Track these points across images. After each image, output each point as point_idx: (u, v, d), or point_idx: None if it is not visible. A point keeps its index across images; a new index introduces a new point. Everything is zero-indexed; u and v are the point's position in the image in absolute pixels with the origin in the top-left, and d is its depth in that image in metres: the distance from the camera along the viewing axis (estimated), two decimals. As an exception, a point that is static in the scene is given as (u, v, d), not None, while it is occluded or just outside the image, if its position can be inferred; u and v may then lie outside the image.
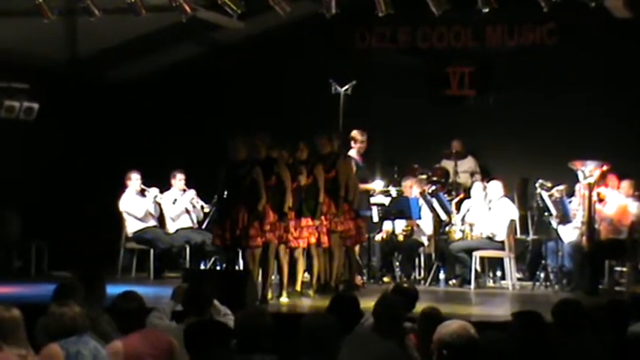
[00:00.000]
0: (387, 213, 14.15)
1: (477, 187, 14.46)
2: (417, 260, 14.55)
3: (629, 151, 14.38)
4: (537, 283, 14.02)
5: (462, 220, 14.21)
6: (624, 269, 13.69)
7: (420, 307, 8.19)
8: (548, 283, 13.86)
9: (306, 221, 12.18)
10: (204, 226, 14.68)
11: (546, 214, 14.09)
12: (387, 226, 14.43)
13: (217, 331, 6.21)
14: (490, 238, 13.87)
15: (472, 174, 15.52)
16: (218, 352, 5.96)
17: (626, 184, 13.62)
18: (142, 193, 14.41)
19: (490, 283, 14.34)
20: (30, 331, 6.83)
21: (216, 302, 8.14)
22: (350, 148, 13.65)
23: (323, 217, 12.35)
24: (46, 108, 14.68)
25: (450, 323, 5.55)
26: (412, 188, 14.23)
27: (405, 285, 11.07)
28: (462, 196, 14.69)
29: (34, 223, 14.91)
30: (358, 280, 13.46)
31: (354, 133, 13.70)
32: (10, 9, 13.22)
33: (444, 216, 14.39)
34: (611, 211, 13.47)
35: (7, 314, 6.53)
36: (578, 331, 6.98)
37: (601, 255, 13.32)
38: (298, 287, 12.35)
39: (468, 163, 15.80)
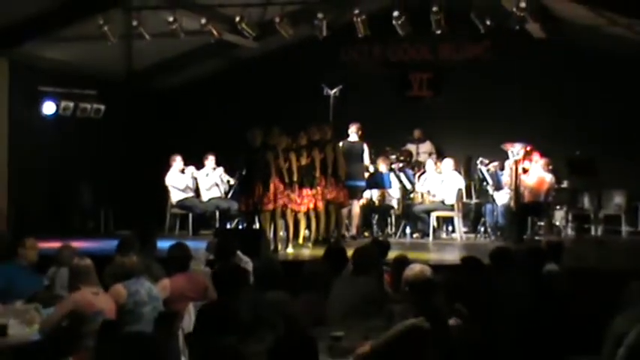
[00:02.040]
0: (367, 184, 14.14)
1: (430, 164, 14.42)
2: (389, 219, 14.51)
3: (547, 136, 14.35)
4: (478, 235, 14.08)
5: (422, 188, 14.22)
6: (542, 224, 13.73)
7: (392, 254, 8.21)
8: (486, 235, 13.91)
9: (306, 191, 12.19)
10: (229, 196, 14.63)
11: (485, 183, 14.12)
12: (367, 194, 14.42)
13: (237, 273, 6.21)
14: (443, 202, 13.84)
15: (430, 154, 15.46)
16: (238, 289, 5.97)
17: (542, 160, 13.64)
18: (182, 171, 14.37)
19: (444, 236, 14.30)
20: (100, 275, 6.87)
21: (239, 252, 8.16)
22: (344, 136, 13.60)
23: (318, 188, 12.35)
24: (110, 109, 14.64)
25: (413, 267, 5.57)
26: (381, 165, 14.19)
27: (380, 238, 11.17)
28: (422, 171, 14.66)
29: (102, 193, 14.89)
30: (346, 234, 13.50)
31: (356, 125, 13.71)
32: (83, 34, 13.16)
33: (408, 186, 14.37)
34: (532, 181, 13.46)
35: (82, 262, 6.58)
36: (507, 270, 7.02)
37: (525, 213, 13.32)
38: (300, 241, 12.38)
39: (426, 146, 15.72)
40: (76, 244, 8.90)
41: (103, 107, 14.49)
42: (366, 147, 13.77)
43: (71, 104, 14.11)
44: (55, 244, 8.63)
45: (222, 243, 8.16)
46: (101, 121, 14.59)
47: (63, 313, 6.27)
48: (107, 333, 5.95)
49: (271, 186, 11.67)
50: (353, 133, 13.67)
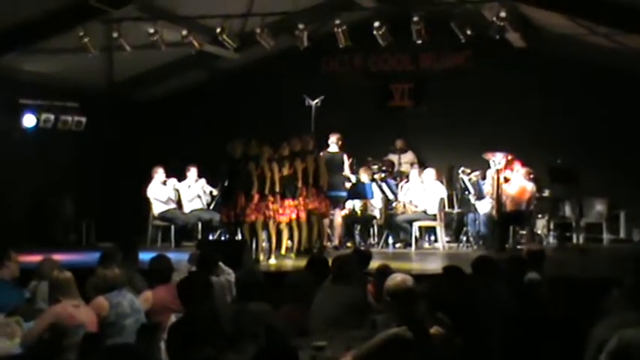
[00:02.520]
0: (349, 195, 14.16)
1: (413, 174, 14.45)
2: (371, 229, 14.52)
3: (528, 145, 14.42)
4: (461, 245, 14.10)
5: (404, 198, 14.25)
6: (524, 232, 13.79)
7: (375, 264, 8.23)
8: (468, 244, 13.94)
9: (288, 202, 12.19)
10: (211, 207, 14.61)
11: (467, 193, 14.16)
12: (349, 204, 14.44)
13: (200, 284, 6.17)
14: (425, 212, 13.86)
15: (412, 164, 15.47)
16: (202, 301, 5.95)
17: (524, 170, 13.71)
18: (164, 183, 14.35)
19: (426, 245, 14.31)
20: (82, 287, 6.85)
21: (221, 264, 8.15)
22: (325, 147, 13.67)
23: (300, 198, 12.36)
24: (91, 121, 14.61)
25: (395, 276, 5.58)
26: (363, 175, 14.23)
27: (362, 248, 11.19)
28: (405, 180, 14.68)
29: (84, 205, 14.85)
30: (328, 244, 13.52)
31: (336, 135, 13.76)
32: (64, 46, 13.15)
33: (391, 196, 14.38)
34: (513, 190, 13.51)
35: (62, 275, 6.56)
36: (490, 279, 7.04)
37: (507, 222, 13.37)
38: (283, 251, 12.37)
39: (408, 156, 15.74)
40: (58, 257, 8.87)
41: (84, 119, 14.46)
42: (346, 157, 13.82)
43: (52, 116, 14.08)
44: (37, 257, 8.61)
45: (205, 254, 8.15)
46: (82, 133, 14.56)
47: (44, 326, 6.25)
48: (89, 345, 5.93)
49: (253, 197, 11.68)
50: (333, 144, 13.72)
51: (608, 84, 14.58)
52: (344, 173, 13.82)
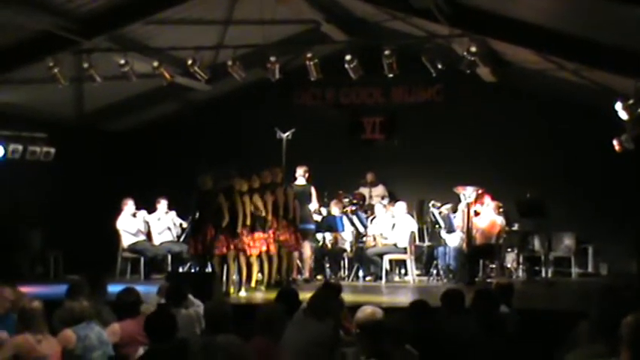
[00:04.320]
0: (319, 227, 14.19)
1: (379, 207, 14.51)
2: (341, 262, 14.53)
3: (498, 179, 14.56)
4: (431, 278, 14.15)
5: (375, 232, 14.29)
6: (493, 266, 13.87)
7: (345, 297, 8.24)
8: (438, 277, 14.00)
9: (258, 234, 12.19)
10: (181, 240, 14.59)
11: (437, 226, 14.26)
12: (319, 237, 14.46)
13: (166, 319, 6.15)
14: (396, 245, 13.91)
15: (383, 197, 15.57)
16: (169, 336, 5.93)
17: (493, 204, 13.83)
18: (134, 215, 14.31)
19: (396, 279, 14.33)
20: (49, 320, 6.79)
21: (190, 296, 8.13)
22: (294, 179, 13.73)
23: (270, 231, 12.37)
24: (60, 152, 14.54)
25: (365, 309, 5.60)
26: (334, 208, 14.27)
27: (332, 281, 11.18)
28: (375, 214, 14.74)
29: (52, 238, 14.77)
30: (298, 277, 13.51)
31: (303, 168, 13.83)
32: (33, 76, 13.11)
33: (361, 229, 14.44)
34: (484, 224, 13.63)
35: (29, 305, 6.49)
36: (459, 312, 7.08)
37: (477, 256, 13.48)
38: (253, 284, 12.35)
39: (379, 190, 15.84)
40: (25, 289, 8.78)
41: (53, 150, 14.38)
42: (313, 190, 13.87)
43: (20, 147, 13.98)
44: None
45: (173, 287, 8.13)
46: (51, 164, 14.47)
47: (4, 358, 6.19)
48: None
49: (224, 229, 11.67)
50: (300, 176, 13.80)
51: (576, 119, 14.77)
52: (311, 206, 13.84)
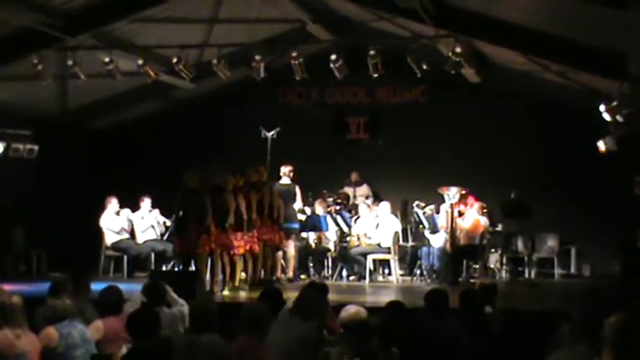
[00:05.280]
0: (304, 227, 14.20)
1: (363, 207, 14.53)
2: (325, 262, 14.54)
3: (481, 179, 14.58)
4: (414, 278, 14.17)
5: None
6: (477, 266, 13.92)
7: (330, 296, 8.23)
8: (422, 278, 14.03)
9: (242, 233, 12.17)
10: (165, 238, 14.56)
11: (421, 226, 14.28)
12: (303, 236, 14.46)
13: (149, 318, 6.14)
14: (379, 245, 13.91)
15: (367, 197, 15.59)
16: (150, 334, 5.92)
17: (477, 204, 13.87)
18: (118, 213, 14.28)
19: (380, 278, 14.36)
20: (31, 318, 6.75)
21: (174, 295, 8.08)
22: (279, 178, 13.73)
23: (255, 230, 12.36)
24: (44, 149, 14.47)
25: (349, 308, 5.61)
26: (318, 207, 14.29)
27: (318, 281, 11.17)
28: (359, 214, 14.76)
29: (35, 236, 14.70)
30: (282, 276, 13.50)
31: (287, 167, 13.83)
32: (17, 73, 13.08)
33: (345, 228, 14.46)
34: (467, 224, 13.68)
35: (9, 300, 6.43)
36: (443, 312, 7.09)
37: (460, 256, 13.51)
38: (237, 283, 12.34)
39: (363, 189, 15.85)
40: (7, 287, 8.74)
41: (36, 147, 14.31)
42: (298, 189, 13.87)
43: (3, 144, 13.92)
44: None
45: (152, 285, 8.08)
46: (35, 162, 14.41)
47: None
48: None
49: (208, 228, 11.65)
50: (285, 176, 13.79)
51: (560, 120, 14.84)
52: (295, 205, 13.85)
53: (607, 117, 11.60)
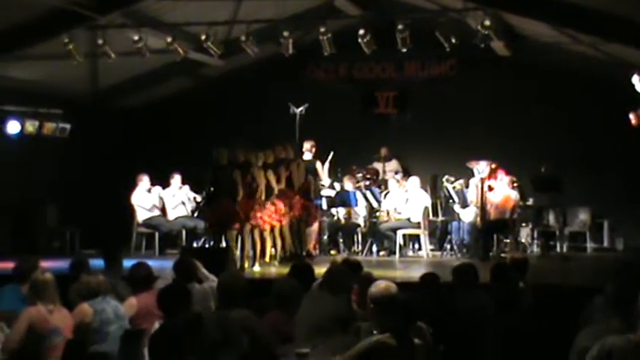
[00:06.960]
0: (333, 202, 14.19)
1: (393, 183, 14.49)
2: (355, 237, 14.53)
3: (511, 153, 14.49)
4: (445, 253, 14.14)
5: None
6: (507, 241, 13.84)
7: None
8: (452, 252, 13.98)
9: (272, 209, 12.17)
10: (195, 215, 14.61)
11: (451, 201, 14.21)
12: (333, 212, 14.46)
13: (179, 294, 6.15)
14: (409, 220, 13.88)
15: (396, 172, 15.54)
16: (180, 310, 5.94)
17: (507, 178, 13.77)
18: (149, 190, 14.34)
19: (410, 253, 14.30)
20: (65, 294, 6.82)
21: (205, 271, 8.10)
22: (301, 154, 13.71)
23: (284, 206, 12.35)
24: (75, 128, 14.55)
25: (379, 283, 5.58)
26: (347, 183, 14.28)
27: (352, 258, 11.15)
28: (389, 189, 14.71)
29: (69, 213, 14.84)
30: (313, 251, 13.50)
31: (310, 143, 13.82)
32: (48, 53, 13.11)
33: (375, 204, 14.43)
34: (498, 198, 13.58)
35: (42, 278, 6.52)
36: (472, 287, 7.06)
37: (491, 231, 13.43)
38: (267, 259, 12.36)
39: (392, 165, 15.79)
40: (43, 264, 8.81)
41: (68, 126, 14.38)
42: (319, 164, 13.84)
43: (36, 123, 14.01)
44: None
45: (181, 261, 8.10)
46: (67, 141, 14.49)
47: (21, 330, 6.22)
48: (73, 353, 5.91)
49: (239, 204, 11.66)
50: (307, 151, 13.77)
51: (591, 92, 14.67)
52: (319, 180, 13.83)
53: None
